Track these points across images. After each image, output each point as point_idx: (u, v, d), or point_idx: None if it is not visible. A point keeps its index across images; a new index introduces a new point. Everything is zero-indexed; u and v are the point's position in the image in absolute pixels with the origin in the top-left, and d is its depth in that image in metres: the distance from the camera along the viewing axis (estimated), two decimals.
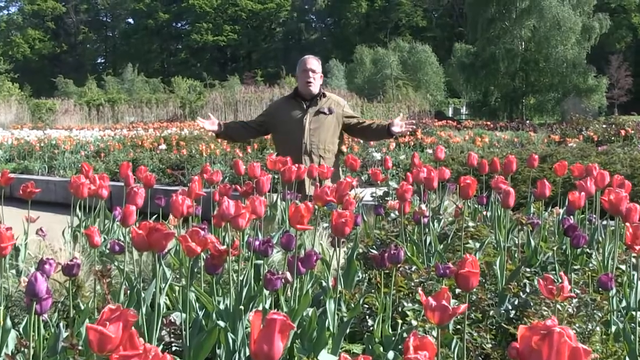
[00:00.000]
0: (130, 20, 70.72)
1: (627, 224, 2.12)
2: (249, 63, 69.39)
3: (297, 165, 3.21)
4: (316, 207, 2.33)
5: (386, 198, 3.86)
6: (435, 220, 3.21)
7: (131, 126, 20.19)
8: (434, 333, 1.85)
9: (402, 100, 32.23)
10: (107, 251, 2.62)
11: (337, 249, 2.03)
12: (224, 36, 65.72)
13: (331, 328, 1.92)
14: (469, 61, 36.34)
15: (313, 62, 4.31)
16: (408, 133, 4.29)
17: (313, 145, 4.22)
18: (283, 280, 1.86)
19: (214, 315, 1.94)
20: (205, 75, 49.09)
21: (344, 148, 4.44)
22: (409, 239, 2.88)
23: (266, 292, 1.96)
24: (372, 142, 10.31)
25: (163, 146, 11.01)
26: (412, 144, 11.44)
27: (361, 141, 10.32)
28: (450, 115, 40.74)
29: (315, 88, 4.29)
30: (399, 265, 2.18)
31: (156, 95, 33.85)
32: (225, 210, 2.02)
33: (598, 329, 1.93)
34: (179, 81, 43.90)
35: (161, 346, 1.95)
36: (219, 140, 4.50)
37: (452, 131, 15.58)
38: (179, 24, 74.76)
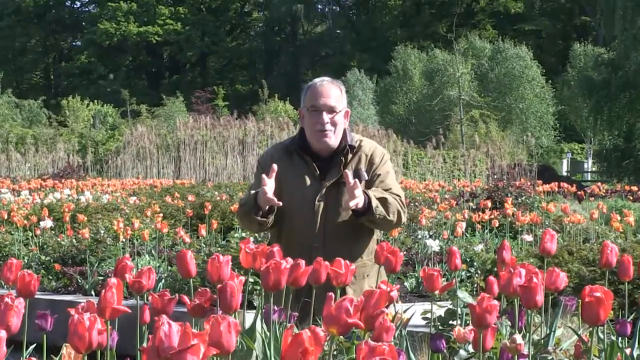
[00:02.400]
0: None
1: None
2: (202, 74, 70.48)
3: (291, 260, 3.28)
4: (329, 335, 2.39)
5: (451, 322, 3.90)
6: None
7: None
8: None
9: (480, 143, 32.51)
10: None
11: None
12: (157, 26, 66.92)
13: None
14: (599, 76, 36.76)
15: (329, 92, 4.35)
16: (356, 205, 4.28)
17: (331, 247, 4.23)
18: None
19: None
20: (124, 95, 49.87)
21: None
22: None
23: None
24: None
25: (47, 223, 11.11)
26: (497, 223, 11.51)
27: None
28: (565, 174, 40.92)
29: (334, 140, 4.35)
30: None
31: (35, 130, 34.22)
32: (163, 339, 2.07)
33: None
34: (75, 105, 44.47)
35: None
36: (257, 223, 4.45)
37: (570, 202, 15.68)
38: (77, 4, 76.39)
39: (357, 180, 4.13)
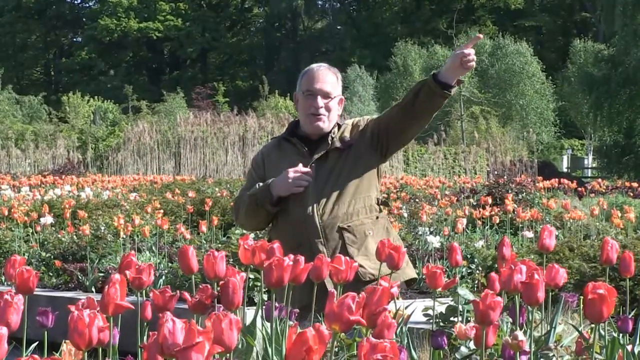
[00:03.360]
0: None
1: None
2: (203, 70, 70.51)
3: (294, 256, 3.28)
4: (332, 333, 2.38)
5: (452, 319, 3.90)
6: None
7: None
8: None
9: (480, 140, 32.53)
10: None
11: None
12: (158, 22, 66.93)
13: None
14: (600, 72, 36.77)
15: (325, 78, 4.43)
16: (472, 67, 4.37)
17: (328, 218, 4.33)
18: None
19: None
20: (127, 91, 49.90)
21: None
22: None
23: None
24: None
25: (48, 219, 11.12)
26: (498, 220, 11.52)
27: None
28: (565, 170, 40.93)
29: (327, 123, 4.42)
30: None
31: (35, 126, 34.24)
32: (166, 336, 2.07)
33: None
34: (75, 101, 44.45)
35: None
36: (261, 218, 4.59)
37: (570, 199, 15.69)
38: (77, 0, 76.39)
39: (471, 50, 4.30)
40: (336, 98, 4.42)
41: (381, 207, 4.57)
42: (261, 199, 4.36)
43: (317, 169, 4.38)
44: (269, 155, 4.56)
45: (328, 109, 4.38)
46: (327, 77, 4.42)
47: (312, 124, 4.40)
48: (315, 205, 4.34)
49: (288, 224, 4.36)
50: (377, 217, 4.46)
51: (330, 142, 4.40)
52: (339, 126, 4.46)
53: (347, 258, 3.43)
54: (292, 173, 4.26)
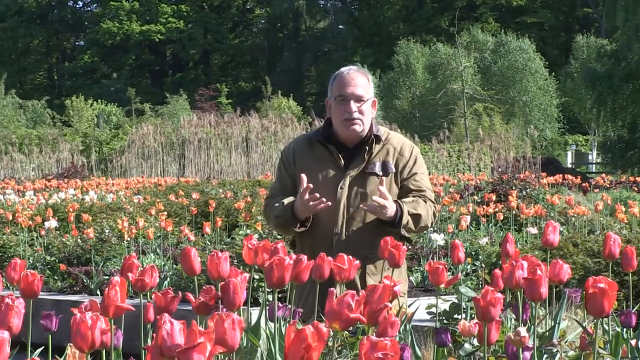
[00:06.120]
0: None
1: None
2: (206, 72, 70.50)
3: (296, 255, 3.28)
4: (332, 331, 2.38)
5: (455, 316, 3.90)
6: (546, 357, 3.24)
7: None
8: None
9: (484, 137, 32.50)
10: None
11: None
12: (160, 25, 66.99)
13: None
14: (602, 68, 36.77)
15: (356, 81, 4.35)
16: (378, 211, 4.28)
17: (352, 237, 4.27)
18: None
19: None
20: (130, 94, 49.83)
21: None
22: None
23: None
24: None
25: (52, 223, 11.13)
26: (502, 217, 11.51)
27: None
28: (570, 166, 40.89)
29: (362, 127, 4.34)
30: None
31: (39, 130, 34.29)
32: (167, 338, 2.07)
33: None
34: (79, 104, 44.48)
35: None
36: (292, 230, 4.47)
37: (574, 194, 15.66)
38: (79, 4, 76.43)
39: (385, 193, 4.13)
40: (369, 100, 4.35)
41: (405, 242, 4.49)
42: (287, 221, 4.31)
43: (352, 186, 4.32)
44: (302, 154, 4.45)
45: (362, 113, 4.31)
46: (358, 80, 4.35)
47: (347, 129, 4.32)
48: (344, 226, 4.29)
49: (314, 237, 4.29)
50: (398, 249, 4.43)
51: (366, 157, 4.32)
52: (377, 138, 4.36)
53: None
54: (312, 202, 4.14)
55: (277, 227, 4.51)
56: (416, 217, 4.25)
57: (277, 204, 4.35)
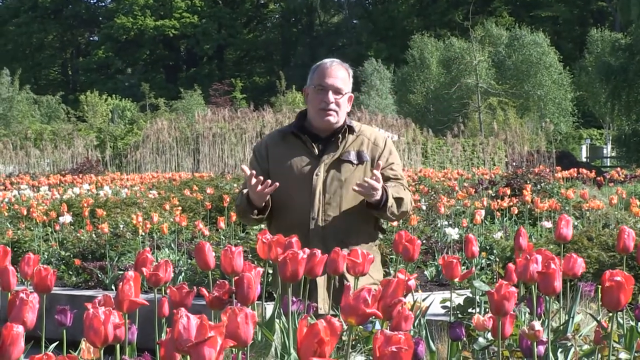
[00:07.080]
0: None
1: None
2: (220, 67, 70.60)
3: (309, 250, 3.28)
4: (346, 325, 2.38)
5: (470, 310, 3.89)
6: (560, 351, 3.23)
7: (8, 182, 20.46)
8: None
9: (498, 131, 32.46)
10: None
11: None
12: (174, 20, 67.10)
13: None
14: (617, 61, 36.68)
15: (337, 73, 4.41)
16: (375, 195, 4.28)
17: (329, 222, 4.32)
18: None
19: None
20: (144, 89, 50.02)
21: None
22: None
23: None
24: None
25: (67, 218, 11.16)
26: (517, 211, 11.49)
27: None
28: (584, 160, 40.82)
29: (337, 118, 4.40)
30: None
31: (54, 125, 34.40)
32: (181, 332, 2.07)
33: None
34: (93, 99, 44.63)
35: None
36: (252, 217, 4.45)
37: (589, 188, 15.63)
38: (93, 0, 76.54)
39: (379, 176, 4.15)
40: (346, 95, 4.42)
41: (379, 232, 4.57)
42: (244, 209, 4.36)
43: (327, 173, 4.36)
44: (275, 147, 4.50)
45: (338, 105, 4.37)
46: (339, 73, 4.40)
47: (322, 118, 4.38)
48: (320, 211, 4.32)
49: (291, 223, 4.27)
50: (371, 237, 4.46)
51: (340, 146, 4.39)
52: (350, 129, 4.42)
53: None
54: (259, 187, 4.17)
55: (239, 215, 4.60)
56: (399, 201, 4.29)
57: (239, 195, 4.43)
